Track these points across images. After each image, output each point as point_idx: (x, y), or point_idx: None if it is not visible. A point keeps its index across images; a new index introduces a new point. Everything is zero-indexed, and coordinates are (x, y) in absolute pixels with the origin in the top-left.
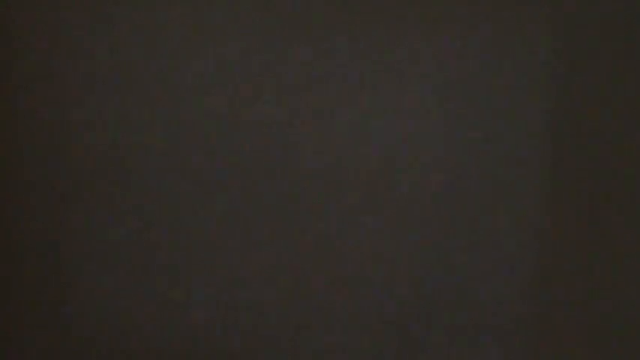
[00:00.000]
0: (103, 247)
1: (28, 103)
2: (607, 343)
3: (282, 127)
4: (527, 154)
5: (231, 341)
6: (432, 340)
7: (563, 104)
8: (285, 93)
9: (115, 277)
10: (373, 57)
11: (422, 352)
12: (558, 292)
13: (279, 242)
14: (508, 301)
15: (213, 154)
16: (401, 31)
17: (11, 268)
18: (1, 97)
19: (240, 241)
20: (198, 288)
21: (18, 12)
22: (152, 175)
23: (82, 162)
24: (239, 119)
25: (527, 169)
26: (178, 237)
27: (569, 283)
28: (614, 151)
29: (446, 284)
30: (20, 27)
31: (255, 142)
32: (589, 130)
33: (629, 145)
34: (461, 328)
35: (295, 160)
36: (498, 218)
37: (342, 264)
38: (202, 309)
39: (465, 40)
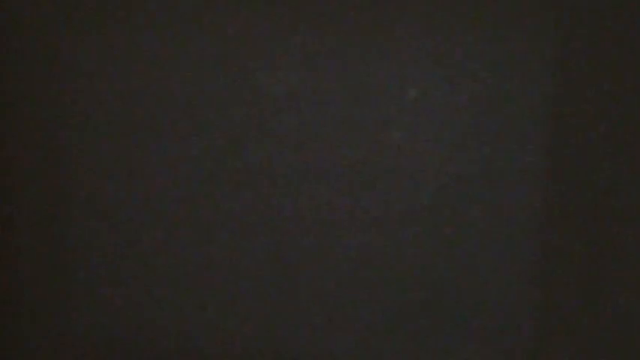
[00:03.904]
0: (104, 249)
1: (28, 103)
2: (606, 342)
3: (282, 125)
4: (527, 154)
5: (232, 342)
6: (432, 338)
7: (563, 103)
8: (285, 91)
9: (115, 279)
10: (373, 57)
11: (421, 349)
12: (558, 291)
13: (279, 241)
14: (508, 300)
15: (213, 156)
16: (401, 30)
17: (12, 268)
18: (1, 97)
19: (242, 242)
20: (199, 289)
21: (18, 12)
22: (153, 175)
23: (83, 162)
24: (241, 119)
25: (527, 168)
26: (180, 238)
27: (569, 282)
28: (615, 151)
29: (446, 283)
30: (20, 27)
31: (255, 143)
32: (589, 130)
33: (630, 144)
34: (460, 327)
35: (294, 158)
36: (499, 217)
37: (343, 263)
38: (203, 311)
39: (465, 39)
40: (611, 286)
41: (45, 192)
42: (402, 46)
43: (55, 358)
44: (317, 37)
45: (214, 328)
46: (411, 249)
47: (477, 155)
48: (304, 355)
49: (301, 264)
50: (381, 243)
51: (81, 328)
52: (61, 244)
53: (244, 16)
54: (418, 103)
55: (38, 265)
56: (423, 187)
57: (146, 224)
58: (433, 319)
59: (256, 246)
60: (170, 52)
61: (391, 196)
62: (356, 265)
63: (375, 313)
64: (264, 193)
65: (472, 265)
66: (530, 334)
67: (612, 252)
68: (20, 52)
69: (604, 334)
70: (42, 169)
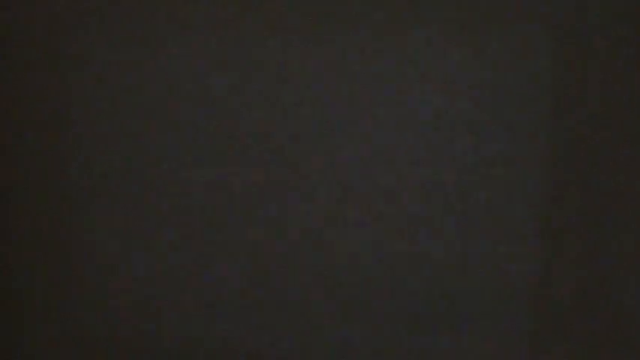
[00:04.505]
0: (106, 247)
1: (28, 104)
2: (607, 342)
3: (285, 125)
4: (527, 153)
5: (235, 342)
6: (431, 338)
7: (564, 102)
8: (288, 92)
9: (117, 277)
10: (375, 59)
11: (420, 348)
12: (558, 291)
13: (281, 242)
14: (509, 300)
15: (213, 154)
16: (403, 32)
17: (12, 267)
18: (1, 98)
19: (244, 241)
20: (200, 288)
21: (18, 13)
22: (154, 175)
23: (83, 162)
24: (247, 120)
25: (527, 168)
26: (180, 238)
27: (569, 281)
28: (615, 150)
29: (447, 283)
30: (20, 28)
31: (259, 144)
32: (589, 130)
33: (630, 144)
34: (459, 327)
35: (297, 159)
36: (499, 217)
37: (344, 263)
38: (203, 309)
39: (466, 40)
40: (612, 285)
41: (45, 192)
42: (404, 46)
43: (55, 358)
44: (316, 36)
45: (214, 328)
46: (410, 248)
47: (477, 154)
48: (304, 354)
49: (301, 264)
50: (378, 243)
51: (81, 329)
52: (60, 244)
53: (248, 11)
54: (419, 102)
55: (38, 264)
56: (422, 185)
57: (145, 224)
58: (432, 319)
59: (258, 246)
60: (169, 53)
61: (391, 194)
62: (354, 263)
63: (373, 313)
64: (264, 194)
65: (471, 265)
66: (530, 334)
67: (613, 251)
68: (20, 53)
69: (604, 334)
70: (42, 169)
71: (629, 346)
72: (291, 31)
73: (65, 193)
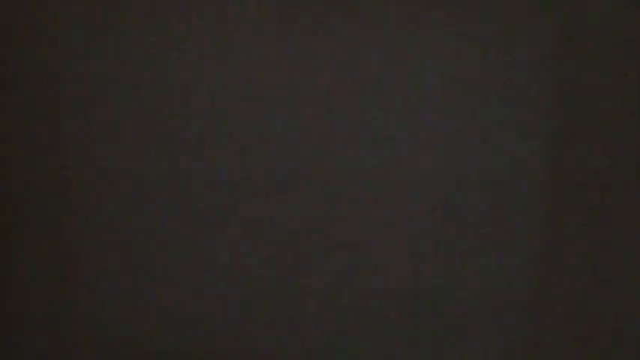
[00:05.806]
0: (106, 248)
1: (28, 104)
2: (607, 342)
3: (284, 127)
4: (528, 155)
5: (236, 342)
6: (431, 338)
7: (564, 104)
8: (289, 92)
9: (117, 278)
10: (376, 59)
11: (420, 349)
12: (558, 292)
13: (280, 241)
14: (508, 301)
15: (214, 154)
16: (402, 31)
17: (13, 268)
18: (2, 98)
19: (245, 241)
20: (201, 288)
21: (18, 13)
22: (154, 175)
23: (82, 161)
24: (246, 119)
25: (527, 167)
26: (183, 237)
27: (569, 282)
28: (615, 150)
29: (447, 283)
30: (21, 29)
31: (258, 144)
32: (590, 130)
33: (630, 143)
34: (460, 328)
35: (297, 159)
36: (499, 217)
37: (344, 263)
38: (205, 309)
39: (466, 40)
40: (612, 287)
41: (45, 192)
42: (405, 45)
43: (55, 358)
44: (317, 35)
45: (213, 329)
46: (411, 247)
47: (478, 155)
48: (302, 355)
49: (300, 265)
50: (377, 243)
51: (81, 329)
52: (60, 244)
53: (247, 10)
54: (419, 102)
55: (37, 264)
56: (422, 185)
57: (145, 224)
58: (431, 319)
59: (259, 247)
60: (170, 52)
61: (390, 194)
62: (352, 264)
63: (371, 314)
64: (266, 195)
65: (471, 265)
66: (530, 335)
67: (613, 252)
68: (20, 52)
69: (604, 335)
70: (42, 169)
71: (629, 346)
72: (291, 27)
73: (65, 194)
